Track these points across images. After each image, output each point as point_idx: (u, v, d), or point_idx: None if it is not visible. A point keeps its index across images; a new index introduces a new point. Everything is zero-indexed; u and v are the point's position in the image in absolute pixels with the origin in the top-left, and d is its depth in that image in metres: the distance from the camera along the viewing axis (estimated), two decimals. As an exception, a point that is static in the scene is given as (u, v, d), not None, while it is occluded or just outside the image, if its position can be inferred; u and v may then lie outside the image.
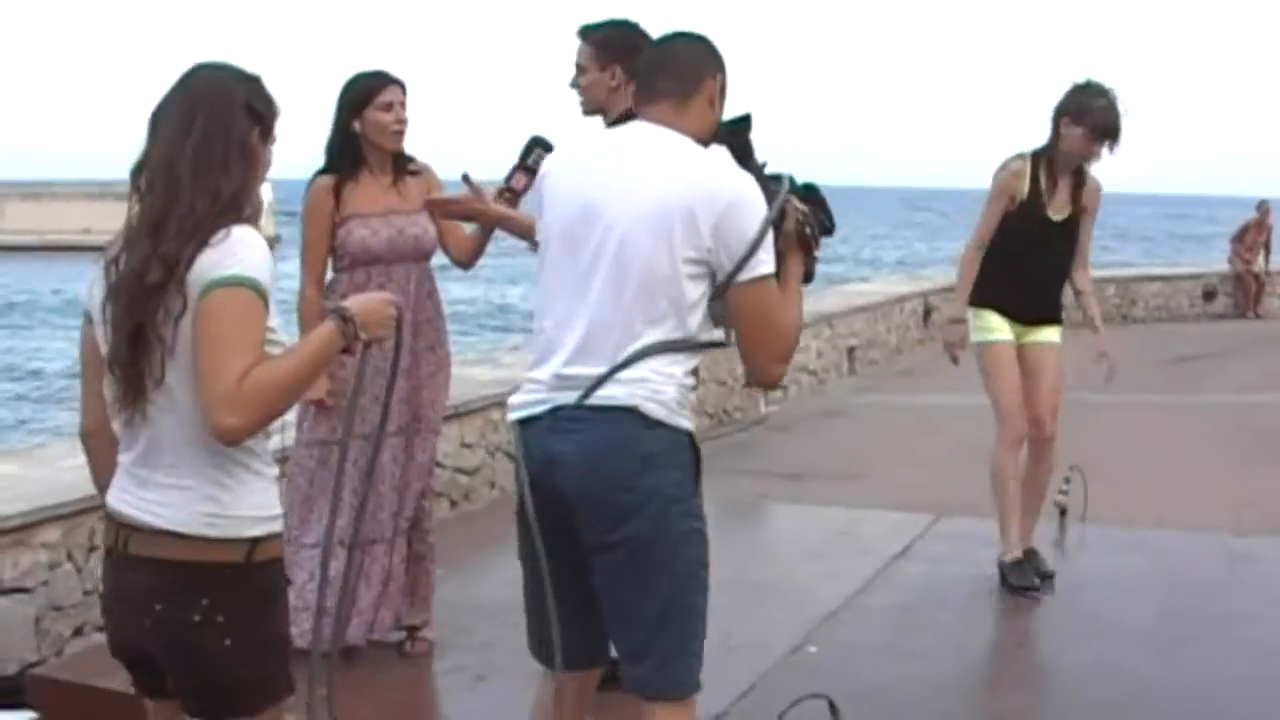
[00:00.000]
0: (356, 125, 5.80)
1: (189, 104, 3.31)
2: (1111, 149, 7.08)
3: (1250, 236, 24.66)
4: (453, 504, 9.01)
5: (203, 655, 3.26)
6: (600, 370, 3.69)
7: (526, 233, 5.62)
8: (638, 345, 3.69)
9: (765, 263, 3.73)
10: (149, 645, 3.33)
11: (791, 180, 3.95)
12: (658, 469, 3.70)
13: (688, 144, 3.83)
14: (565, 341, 3.76)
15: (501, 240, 5.99)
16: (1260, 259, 24.66)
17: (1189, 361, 17.37)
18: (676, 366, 3.75)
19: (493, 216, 5.67)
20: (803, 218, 3.91)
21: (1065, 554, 8.01)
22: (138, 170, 3.31)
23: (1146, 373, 15.39)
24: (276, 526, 3.38)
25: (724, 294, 3.75)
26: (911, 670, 6.19)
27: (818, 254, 4.03)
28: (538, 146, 5.78)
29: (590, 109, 5.71)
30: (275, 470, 3.44)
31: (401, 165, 5.96)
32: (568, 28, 5.93)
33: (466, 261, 6.12)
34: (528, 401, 3.84)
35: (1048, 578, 7.50)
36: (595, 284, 3.73)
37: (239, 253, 3.19)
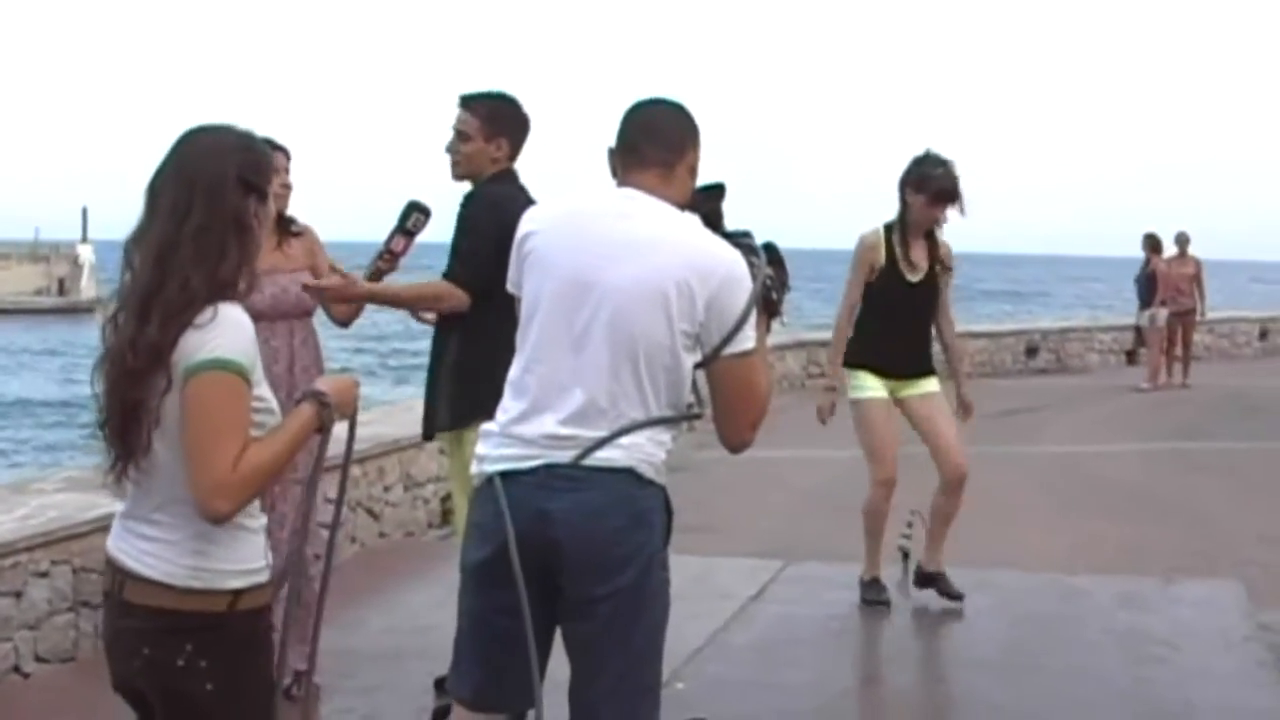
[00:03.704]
0: None
1: (185, 183, 3.37)
2: (961, 211, 7.63)
3: (1174, 270, 21.61)
4: (316, 557, 9.13)
5: (187, 698, 3.40)
6: (598, 434, 3.82)
7: (396, 304, 5.95)
8: (636, 413, 3.84)
9: (751, 338, 3.90)
10: (140, 684, 3.47)
11: (767, 246, 4.11)
12: (647, 525, 3.89)
13: (681, 216, 3.97)
14: (557, 403, 3.85)
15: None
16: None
17: (1015, 415, 17.93)
18: (666, 433, 3.93)
19: (360, 295, 5.95)
20: (769, 281, 4.05)
21: (911, 594, 8.36)
22: (133, 243, 3.41)
23: (976, 425, 15.81)
24: (260, 578, 3.48)
25: (707, 365, 3.92)
26: (777, 702, 6.51)
27: (783, 315, 4.21)
28: (416, 211, 6.03)
29: (463, 174, 5.98)
30: (262, 521, 3.55)
31: (285, 227, 6.20)
32: (444, 93, 6.19)
33: (346, 320, 6.37)
34: (511, 455, 3.91)
35: (958, 598, 8.10)
36: (590, 348, 3.84)
37: (221, 335, 3.30)
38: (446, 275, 5.83)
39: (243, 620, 3.44)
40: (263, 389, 3.44)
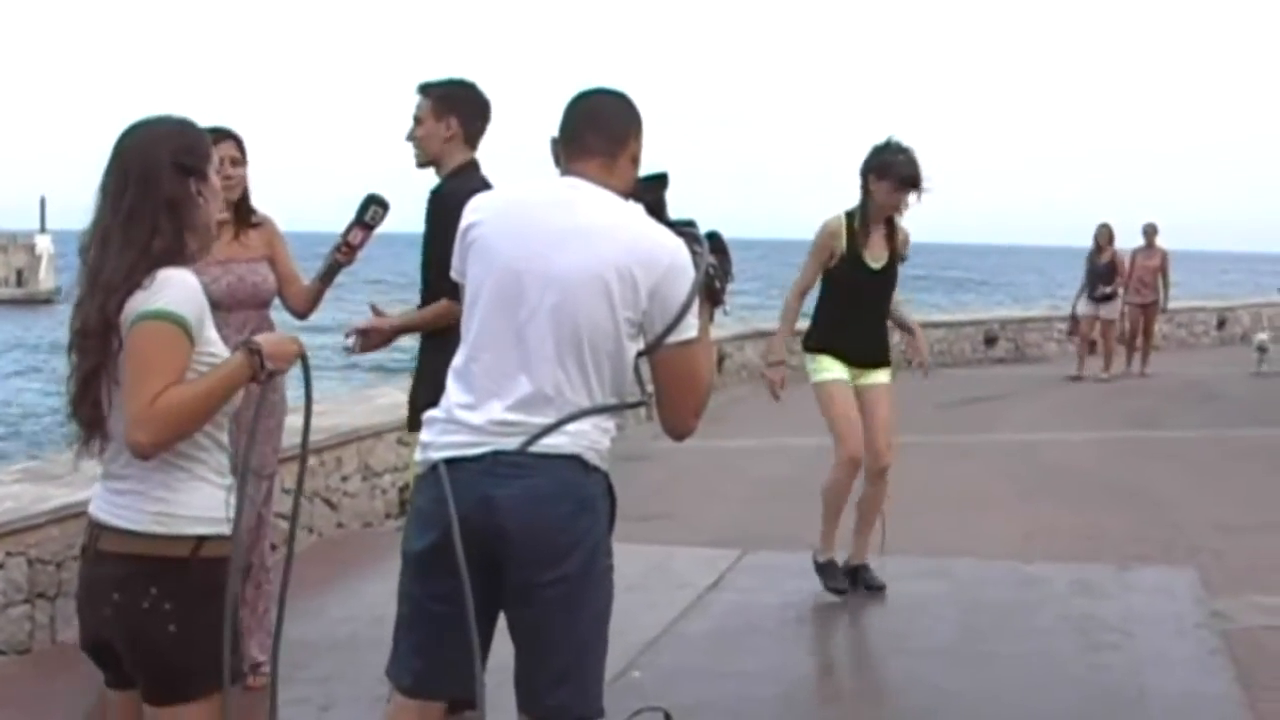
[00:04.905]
0: None
1: (120, 175, 3.67)
2: (918, 197, 7.71)
3: (1139, 261, 21.55)
4: (273, 547, 9.12)
5: (150, 640, 3.63)
6: (544, 420, 3.84)
7: (418, 328, 6.00)
8: (581, 400, 3.86)
9: (693, 326, 3.93)
10: (109, 633, 3.67)
11: (710, 235, 4.13)
12: (591, 511, 3.91)
13: (625, 206, 4.01)
14: (504, 391, 3.88)
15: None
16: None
17: (973, 404, 18.02)
18: (610, 420, 3.96)
19: (390, 330, 6.08)
20: (712, 270, 4.07)
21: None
22: (86, 238, 3.69)
23: (936, 415, 15.96)
24: (222, 529, 3.70)
25: (650, 354, 3.96)
26: (733, 690, 6.55)
27: (726, 304, 4.20)
28: (374, 204, 6.02)
29: (424, 160, 5.98)
30: (226, 480, 3.75)
31: (243, 217, 6.18)
32: (406, 84, 6.19)
33: (303, 311, 6.36)
34: (457, 443, 3.92)
35: (879, 589, 8.16)
36: (535, 337, 3.87)
37: (163, 290, 3.56)
38: (432, 289, 5.86)
39: (204, 567, 3.66)
40: (215, 347, 3.69)
